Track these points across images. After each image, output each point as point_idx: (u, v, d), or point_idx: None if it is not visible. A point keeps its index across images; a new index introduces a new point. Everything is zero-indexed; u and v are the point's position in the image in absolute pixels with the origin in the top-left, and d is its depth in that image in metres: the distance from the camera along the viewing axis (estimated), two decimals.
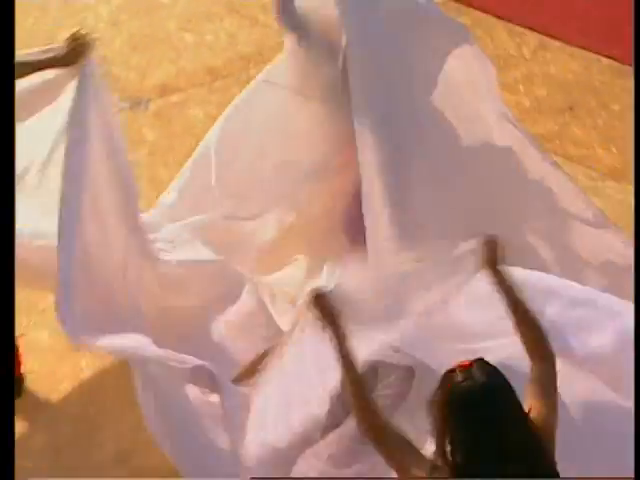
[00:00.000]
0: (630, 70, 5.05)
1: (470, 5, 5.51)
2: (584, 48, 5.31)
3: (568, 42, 5.23)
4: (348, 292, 2.30)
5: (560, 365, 2.08)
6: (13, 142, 3.02)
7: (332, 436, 2.90)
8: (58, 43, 2.89)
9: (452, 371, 1.62)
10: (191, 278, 3.45)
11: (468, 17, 5.40)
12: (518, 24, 5.43)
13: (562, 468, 1.72)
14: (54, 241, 2.93)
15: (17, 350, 3.40)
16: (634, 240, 3.47)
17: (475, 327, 2.74)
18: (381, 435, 1.83)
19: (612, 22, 5.34)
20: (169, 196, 3.64)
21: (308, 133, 3.47)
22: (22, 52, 2.92)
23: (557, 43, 5.22)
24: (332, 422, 2.86)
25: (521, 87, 5.02)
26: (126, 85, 4.63)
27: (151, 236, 3.37)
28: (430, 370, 2.59)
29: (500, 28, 5.44)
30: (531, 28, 5.41)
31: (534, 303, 2.19)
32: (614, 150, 4.60)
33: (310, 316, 2.18)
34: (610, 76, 5.28)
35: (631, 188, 4.23)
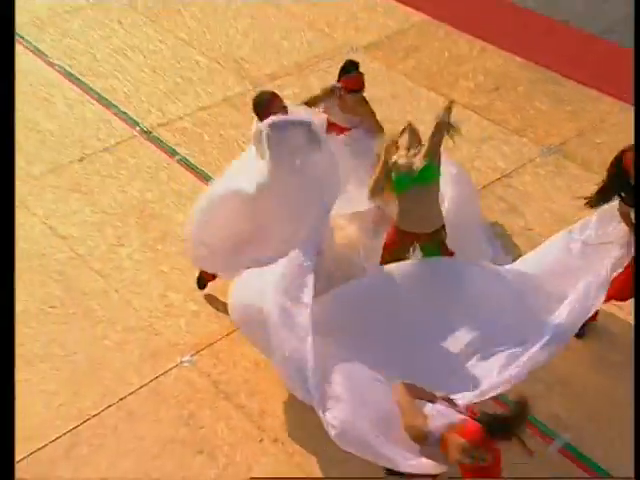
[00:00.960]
0: (532, 66, 7.07)
1: (443, 21, 7.55)
2: (506, 50, 7.26)
3: (500, 47, 7.22)
4: None
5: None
6: (13, 143, 3.50)
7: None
8: None
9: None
10: None
11: (442, 30, 7.60)
12: (471, 34, 7.42)
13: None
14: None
15: None
16: (634, 240, 3.95)
17: None
18: None
19: (528, 34, 7.50)
20: None
21: None
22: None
23: (492, 47, 7.20)
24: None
25: (470, 75, 6.97)
26: (250, 73, 6.62)
27: None
28: None
29: (462, 38, 7.43)
30: (477, 36, 7.36)
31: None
32: (519, 117, 6.43)
33: None
34: (521, 70, 7.11)
35: (525, 140, 6.19)
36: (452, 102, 4.06)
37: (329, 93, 4.76)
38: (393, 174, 3.97)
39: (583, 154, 6.03)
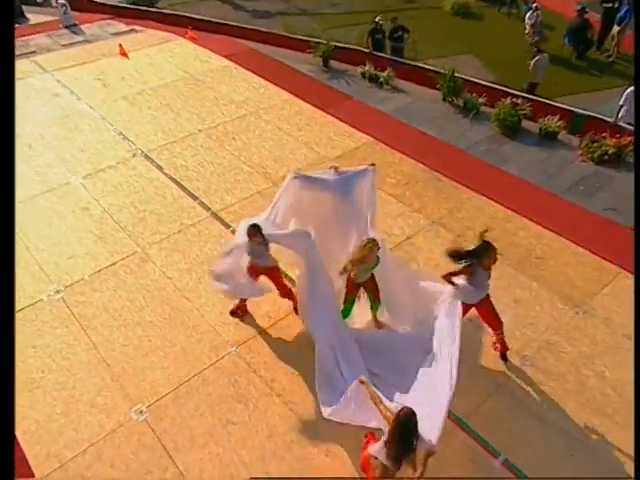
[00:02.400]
0: (427, 170, 8.66)
1: (381, 141, 9.34)
2: (413, 159, 9.00)
3: (411, 157, 9.03)
4: None
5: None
6: (13, 143, 3.28)
7: None
8: None
9: None
10: None
11: (379, 147, 9.19)
12: (395, 149, 9.18)
13: None
14: None
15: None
16: (634, 240, 4.70)
17: None
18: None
19: (426, 150, 9.16)
20: None
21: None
22: None
23: (406, 157, 9.05)
24: None
25: (393, 174, 8.62)
26: (272, 176, 7.88)
27: None
28: None
29: (390, 152, 9.20)
30: (398, 150, 9.13)
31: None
32: (418, 201, 8.11)
33: None
34: (421, 172, 8.77)
35: (421, 215, 7.83)
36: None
37: None
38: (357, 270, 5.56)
39: (451, 224, 7.75)
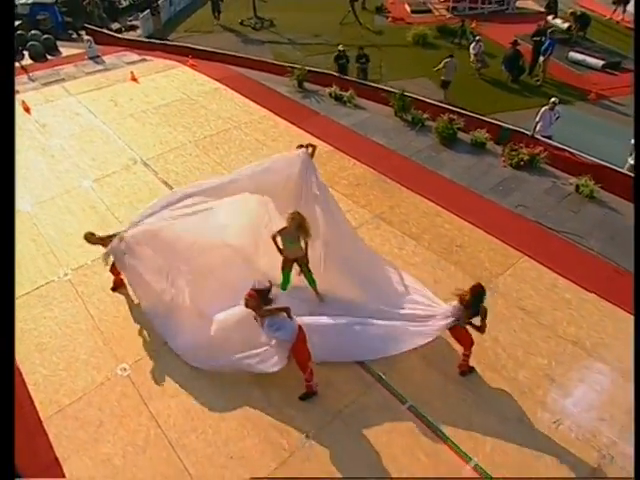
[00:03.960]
0: (376, 173, 8.73)
1: (339, 150, 9.34)
2: (364, 164, 9.06)
3: (363, 163, 9.09)
4: None
5: None
6: (13, 143, 2.82)
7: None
8: None
9: None
10: None
11: (338, 155, 9.18)
12: (350, 156, 9.25)
13: None
14: None
15: None
16: (634, 240, 4.29)
17: None
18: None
19: (374, 156, 9.15)
20: None
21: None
22: None
23: (359, 163, 9.11)
24: None
25: (346, 177, 8.76)
26: None
27: None
28: None
29: (345, 158, 9.25)
30: (352, 157, 9.16)
31: None
32: (364, 199, 8.17)
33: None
34: (370, 175, 8.76)
35: (366, 211, 7.94)
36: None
37: None
38: (283, 240, 5.64)
39: (390, 218, 7.84)
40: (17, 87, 12.50)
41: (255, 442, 5.07)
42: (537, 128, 10.00)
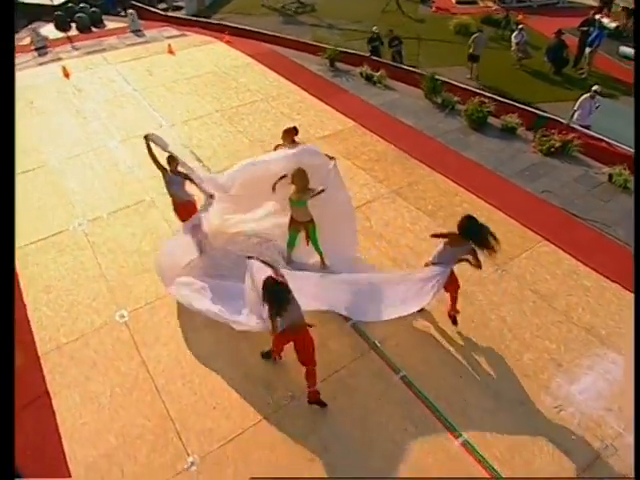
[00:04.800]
0: (397, 150, 8.49)
1: (362, 125, 9.20)
2: (386, 141, 8.89)
3: (384, 139, 8.88)
4: None
5: None
6: (13, 143, 2.81)
7: None
8: None
9: None
10: None
11: (361, 130, 9.14)
12: (373, 132, 9.03)
13: None
14: None
15: None
16: (634, 240, 4.29)
17: None
18: None
19: (397, 134, 8.97)
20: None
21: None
22: None
23: (381, 139, 8.91)
24: None
25: (367, 152, 8.58)
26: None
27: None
28: None
29: (368, 134, 9.07)
30: (375, 133, 8.99)
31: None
32: (383, 174, 7.97)
33: None
34: (392, 152, 8.59)
35: (382, 185, 7.66)
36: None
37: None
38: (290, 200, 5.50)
39: (406, 194, 7.59)
40: (60, 54, 12.89)
41: (240, 396, 4.97)
42: (575, 117, 9.40)
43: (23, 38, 14.04)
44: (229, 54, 12.61)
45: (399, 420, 4.75)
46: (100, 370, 5.24)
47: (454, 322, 5.49)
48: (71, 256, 6.68)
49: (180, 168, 5.78)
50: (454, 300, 5.37)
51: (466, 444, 4.55)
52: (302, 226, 5.77)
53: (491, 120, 9.80)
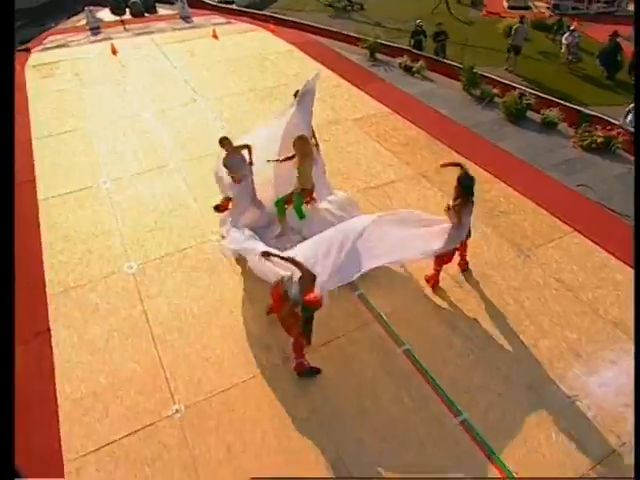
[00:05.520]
0: (427, 136, 8.23)
1: (394, 111, 9.02)
2: (417, 126, 8.64)
3: (415, 125, 8.64)
4: None
5: None
6: (12, 143, 2.81)
7: None
8: None
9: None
10: None
11: (393, 116, 8.90)
12: (404, 118, 8.81)
13: None
14: None
15: None
16: (634, 240, 4.18)
17: None
18: None
19: (429, 121, 8.72)
20: None
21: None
22: None
23: (412, 125, 8.66)
24: None
25: (397, 136, 8.33)
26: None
27: None
28: None
29: (399, 120, 8.80)
30: (407, 119, 8.73)
31: None
32: (411, 158, 7.70)
33: None
34: (422, 137, 8.29)
35: (408, 167, 7.44)
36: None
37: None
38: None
39: (432, 177, 7.27)
40: (111, 35, 13.32)
41: (234, 352, 4.83)
42: (629, 118, 8.80)
43: (80, 20, 14.60)
44: (272, 41, 12.68)
45: (395, 392, 4.46)
46: (102, 315, 5.23)
47: (433, 286, 5.35)
48: (91, 210, 6.78)
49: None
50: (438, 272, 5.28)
51: (465, 423, 4.21)
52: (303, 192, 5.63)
53: (530, 115, 9.34)
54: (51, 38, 13.18)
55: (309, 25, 14.15)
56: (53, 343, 4.92)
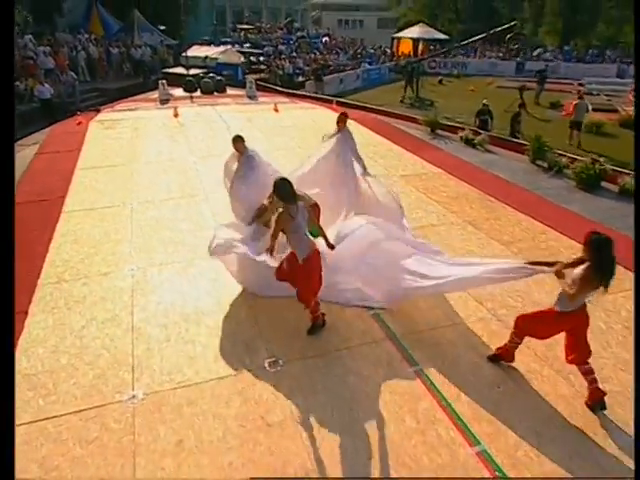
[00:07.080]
0: (477, 191, 8.39)
1: (443, 169, 9.59)
2: (466, 183, 8.83)
3: (464, 181, 9.10)
4: None
5: None
6: (12, 143, 3.42)
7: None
8: None
9: None
10: None
11: (444, 175, 9.39)
12: (453, 176, 9.22)
13: None
14: None
15: None
16: (634, 240, 4.28)
17: None
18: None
19: (477, 177, 9.02)
20: None
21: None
22: None
23: (461, 182, 8.98)
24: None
25: (446, 191, 8.50)
26: None
27: None
28: None
29: (450, 179, 9.34)
30: (456, 177, 9.07)
31: None
32: (459, 208, 7.74)
33: None
34: (472, 193, 8.48)
35: (455, 216, 7.38)
36: None
37: None
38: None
39: (480, 224, 7.29)
40: (177, 104, 15.17)
41: (217, 351, 4.62)
42: None
43: (154, 94, 16.89)
44: (330, 115, 13.71)
45: (397, 410, 3.92)
46: (86, 305, 5.27)
47: (592, 408, 4.03)
48: (110, 222, 7.18)
49: None
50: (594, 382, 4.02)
51: (483, 454, 3.53)
52: None
53: (605, 185, 9.11)
54: (123, 104, 15.23)
55: (371, 108, 15.33)
56: (25, 323, 4.93)
